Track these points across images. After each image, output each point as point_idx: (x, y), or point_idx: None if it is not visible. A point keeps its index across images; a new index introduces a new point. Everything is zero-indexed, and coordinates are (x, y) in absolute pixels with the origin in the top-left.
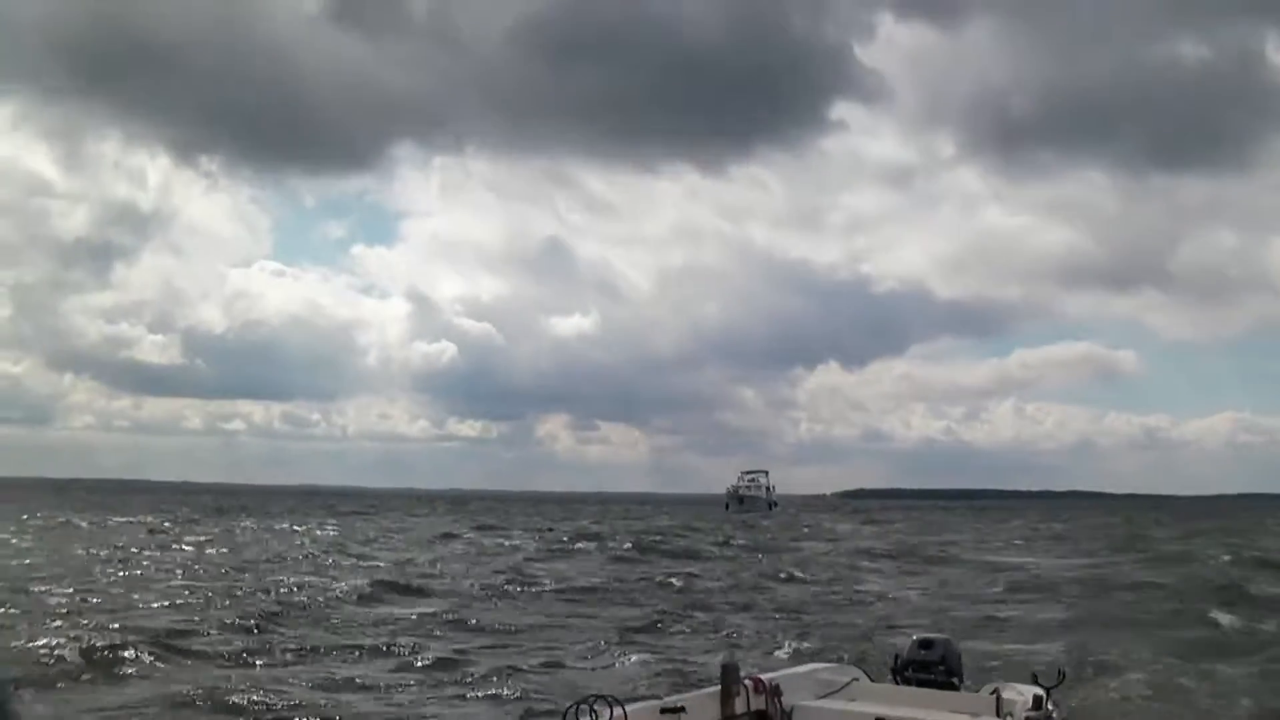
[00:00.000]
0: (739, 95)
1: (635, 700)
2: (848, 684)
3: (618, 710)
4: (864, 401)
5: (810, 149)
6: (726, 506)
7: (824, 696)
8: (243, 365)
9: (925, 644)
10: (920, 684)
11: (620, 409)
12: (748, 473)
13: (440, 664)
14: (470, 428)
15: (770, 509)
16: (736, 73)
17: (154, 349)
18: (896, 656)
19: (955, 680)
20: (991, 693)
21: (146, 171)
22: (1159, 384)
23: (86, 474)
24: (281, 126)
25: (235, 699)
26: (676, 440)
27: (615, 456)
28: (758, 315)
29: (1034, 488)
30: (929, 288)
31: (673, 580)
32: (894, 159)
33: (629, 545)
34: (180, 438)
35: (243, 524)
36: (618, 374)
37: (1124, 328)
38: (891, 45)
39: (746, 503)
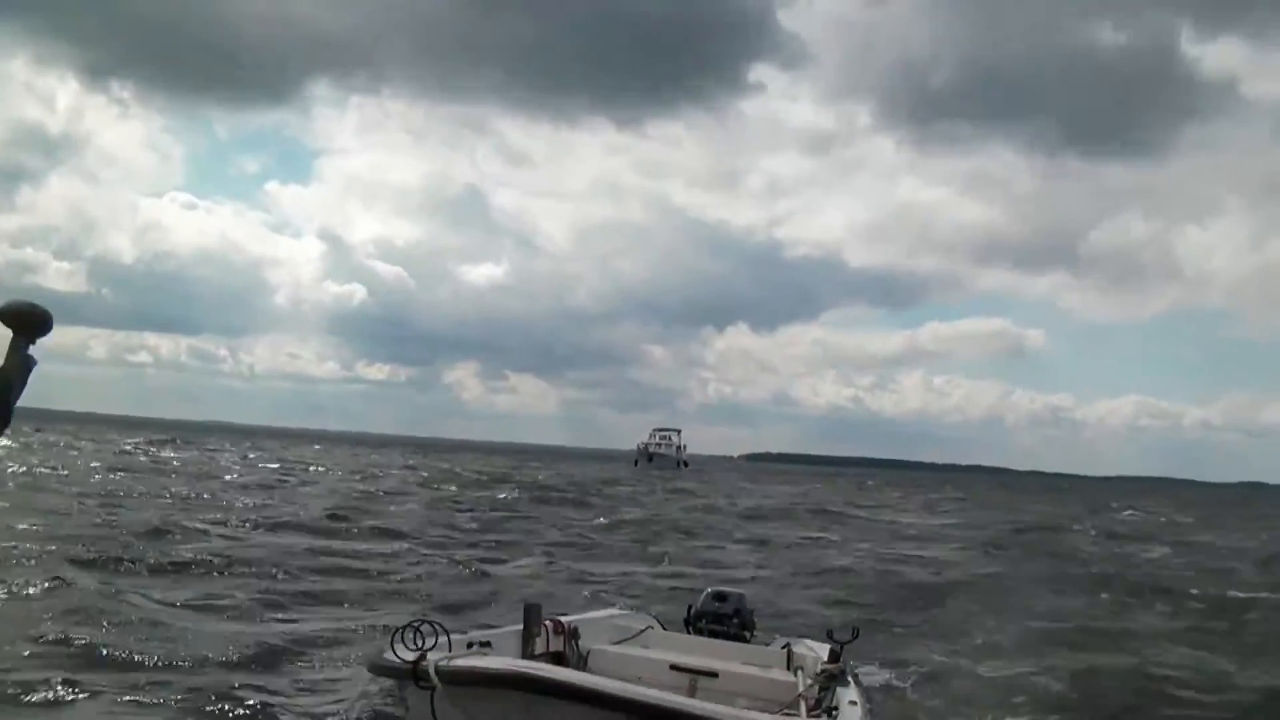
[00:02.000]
0: (659, 52)
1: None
2: (642, 631)
3: (443, 638)
4: (774, 365)
5: (729, 110)
6: (635, 463)
7: (619, 642)
8: (151, 297)
9: (719, 596)
10: (713, 635)
11: (531, 360)
12: (659, 429)
13: None
14: (379, 371)
15: (679, 467)
16: (658, 29)
17: (59, 276)
18: (690, 607)
19: (747, 634)
20: (783, 647)
21: (56, 94)
22: (1066, 364)
23: None
24: (196, 55)
25: None
26: (587, 394)
27: (524, 407)
28: (671, 273)
29: (938, 460)
30: (843, 255)
31: None
32: (812, 125)
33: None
34: (85, 367)
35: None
36: (529, 326)
37: (1034, 307)
38: (813, 9)
39: (656, 460)
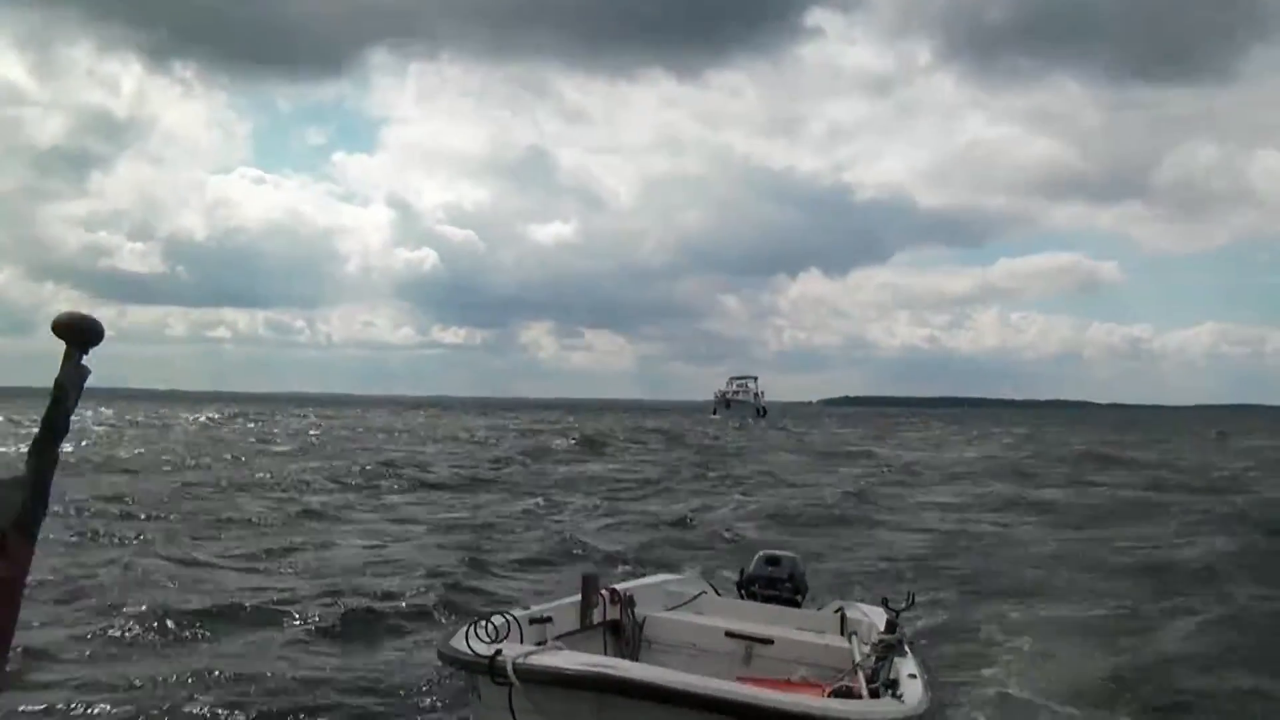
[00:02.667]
0: (716, 1)
1: (511, 609)
2: (696, 596)
3: (514, 626)
4: (847, 309)
5: (787, 56)
6: (714, 411)
7: (674, 608)
8: (225, 273)
9: (772, 560)
10: (766, 599)
11: (604, 317)
12: (736, 378)
13: None
14: (454, 335)
15: (759, 415)
16: None
17: (134, 257)
18: (743, 571)
19: (799, 598)
20: (836, 611)
21: (120, 79)
22: (1142, 295)
23: None
24: (254, 32)
25: None
26: (662, 348)
27: (600, 364)
28: (738, 223)
29: (1017, 396)
30: (911, 196)
31: None
32: (872, 67)
33: None
34: (165, 345)
35: None
36: (600, 282)
37: (1107, 239)
38: None
39: (734, 408)
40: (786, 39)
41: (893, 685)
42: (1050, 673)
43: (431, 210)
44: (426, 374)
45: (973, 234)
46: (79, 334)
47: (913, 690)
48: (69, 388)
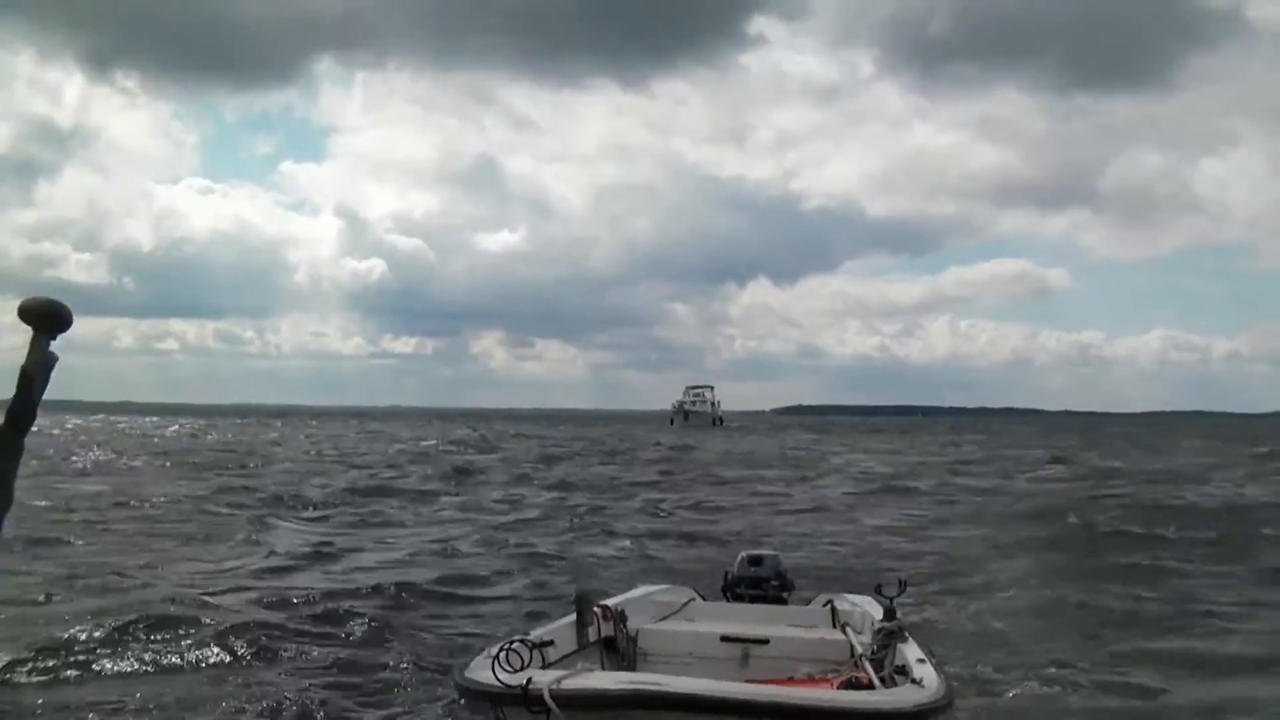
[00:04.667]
0: (659, 9)
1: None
2: (685, 604)
3: (523, 647)
4: (797, 318)
5: (732, 65)
6: (671, 422)
7: (664, 619)
8: (173, 284)
9: (755, 560)
10: (754, 600)
11: (555, 326)
12: (693, 388)
13: None
14: (405, 344)
15: (716, 425)
16: None
17: (80, 268)
18: (726, 574)
19: (786, 595)
20: (825, 604)
21: (63, 88)
22: (1091, 302)
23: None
24: (197, 40)
25: None
26: (614, 357)
27: (552, 373)
28: (688, 231)
29: (969, 404)
30: (859, 205)
31: None
32: (817, 76)
33: None
34: (113, 358)
35: None
36: (551, 291)
37: (1055, 246)
38: None
39: (692, 419)
40: (731, 47)
41: (902, 671)
42: None
43: (380, 219)
44: (378, 384)
45: (921, 242)
46: (47, 319)
47: (928, 675)
48: (35, 375)
